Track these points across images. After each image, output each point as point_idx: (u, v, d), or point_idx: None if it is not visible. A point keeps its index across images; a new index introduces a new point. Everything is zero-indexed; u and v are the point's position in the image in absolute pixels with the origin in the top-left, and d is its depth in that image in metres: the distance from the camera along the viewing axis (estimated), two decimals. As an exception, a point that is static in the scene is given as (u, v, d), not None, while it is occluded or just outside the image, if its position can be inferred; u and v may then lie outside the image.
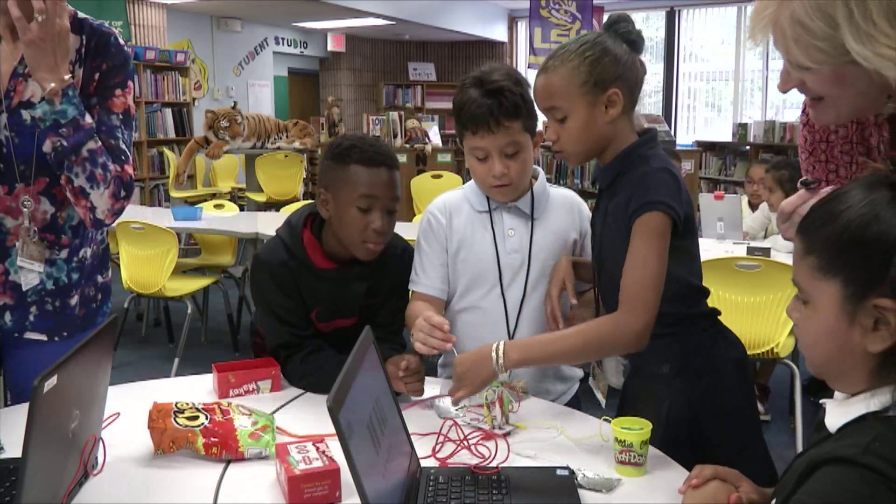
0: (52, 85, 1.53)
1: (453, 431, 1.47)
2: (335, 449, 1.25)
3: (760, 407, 3.52)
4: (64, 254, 1.72)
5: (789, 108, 10.01)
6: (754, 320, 3.08)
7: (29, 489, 1.02)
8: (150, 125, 8.61)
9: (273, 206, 6.67)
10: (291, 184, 7.21)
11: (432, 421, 1.56)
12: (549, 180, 1.87)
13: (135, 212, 5.04)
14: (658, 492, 1.28)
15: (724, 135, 9.83)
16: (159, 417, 1.41)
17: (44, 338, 1.73)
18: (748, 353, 1.64)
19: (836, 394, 0.99)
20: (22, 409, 1.47)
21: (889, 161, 0.94)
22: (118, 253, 4.25)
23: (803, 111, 1.41)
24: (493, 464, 1.35)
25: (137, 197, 8.17)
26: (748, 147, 8.99)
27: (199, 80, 9.96)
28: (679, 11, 10.82)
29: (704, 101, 11.24)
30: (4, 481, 1.28)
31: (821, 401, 1.01)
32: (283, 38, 11.42)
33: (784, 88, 1.19)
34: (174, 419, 1.41)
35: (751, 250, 3.60)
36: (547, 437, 1.50)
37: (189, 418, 1.42)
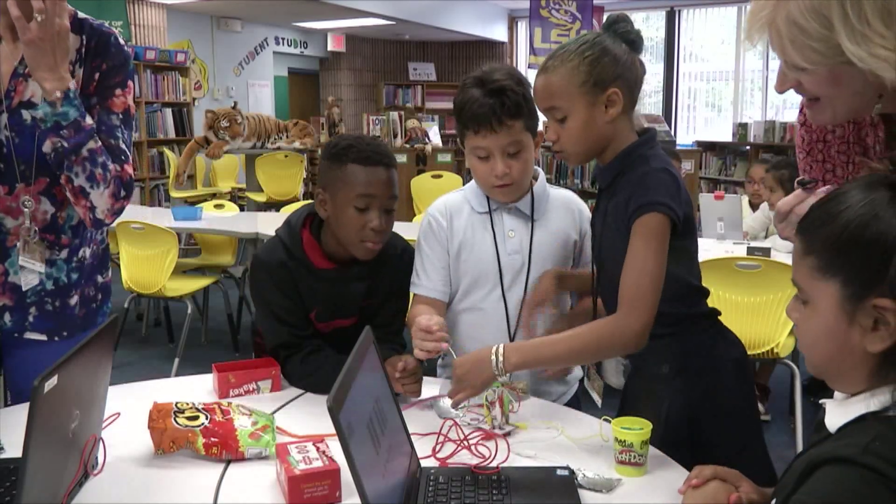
0: (57, 94, 1.53)
1: (453, 431, 1.47)
2: (335, 449, 1.25)
3: (760, 407, 3.52)
4: (64, 254, 1.72)
5: (789, 108, 10.01)
6: (754, 320, 3.08)
7: (29, 489, 1.02)
8: (150, 125, 8.61)
9: (273, 206, 6.66)
10: (291, 184, 7.20)
11: (432, 421, 1.56)
12: (549, 180, 1.87)
13: (135, 212, 5.04)
14: (658, 492, 1.28)
15: (724, 135, 9.83)
16: (159, 417, 1.41)
17: (44, 338, 1.73)
18: (748, 353, 1.64)
19: (836, 394, 0.99)
20: (22, 409, 1.47)
21: (888, 161, 0.94)
22: (118, 253, 4.25)
23: (801, 111, 1.42)
24: (493, 464, 1.35)
25: (137, 197, 8.17)
26: (748, 147, 8.99)
27: (200, 80, 9.97)
28: (679, 11, 10.82)
29: (704, 101, 11.24)
30: (4, 481, 1.28)
31: (821, 401, 1.01)
32: (283, 38, 11.42)
33: (781, 89, 1.19)
34: (174, 419, 1.41)
35: (751, 250, 3.60)
36: (547, 437, 1.50)
37: (189, 418, 1.42)
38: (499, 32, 12.21)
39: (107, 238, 1.87)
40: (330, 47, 12.13)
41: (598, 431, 1.47)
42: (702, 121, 11.16)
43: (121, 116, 1.69)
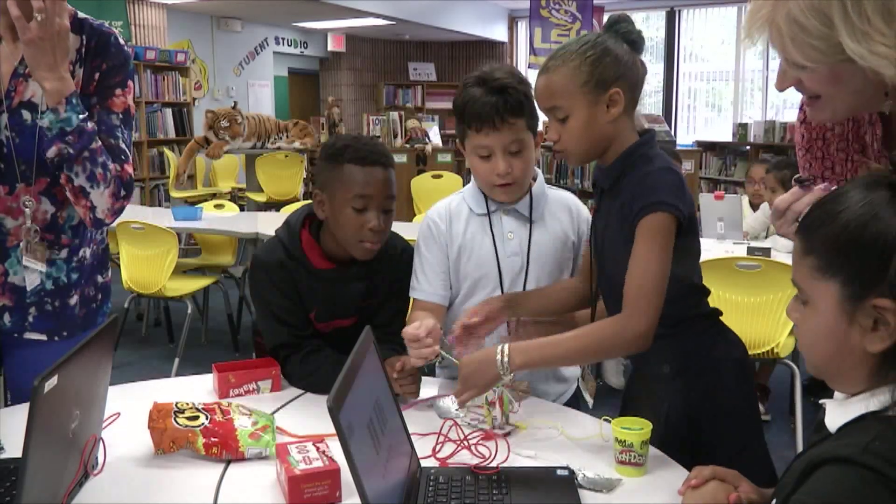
0: (60, 103, 1.53)
1: (453, 431, 1.47)
2: (335, 449, 1.25)
3: (760, 407, 3.52)
4: (64, 254, 1.72)
5: (789, 108, 10.01)
6: (754, 320, 3.08)
7: (29, 489, 1.02)
8: (150, 125, 8.61)
9: (273, 206, 6.66)
10: (291, 184, 7.20)
11: (432, 421, 1.56)
12: (549, 181, 1.87)
13: (135, 212, 5.04)
14: (658, 492, 1.28)
15: (724, 135, 9.82)
16: (159, 417, 1.41)
17: (44, 338, 1.74)
18: (748, 353, 1.64)
19: (836, 394, 0.99)
20: (22, 409, 1.47)
21: (888, 161, 0.94)
22: (118, 253, 4.25)
23: (801, 109, 1.42)
24: (493, 464, 1.35)
25: (137, 197, 8.17)
26: (748, 147, 8.99)
27: (200, 80, 9.96)
28: (679, 11, 10.82)
29: (704, 101, 11.24)
30: (4, 481, 1.28)
31: (821, 401, 1.01)
32: (283, 38, 11.42)
33: (781, 87, 1.19)
34: (174, 419, 1.41)
35: (751, 250, 3.60)
36: (547, 437, 1.50)
37: (189, 418, 1.42)
38: (499, 32, 12.21)
39: (106, 238, 1.87)
40: (330, 47, 12.13)
41: (598, 431, 1.47)
42: (702, 121, 11.16)
43: (121, 116, 1.69)
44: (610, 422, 1.39)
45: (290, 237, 1.82)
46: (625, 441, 1.33)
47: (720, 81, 10.95)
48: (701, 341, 1.54)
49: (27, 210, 1.65)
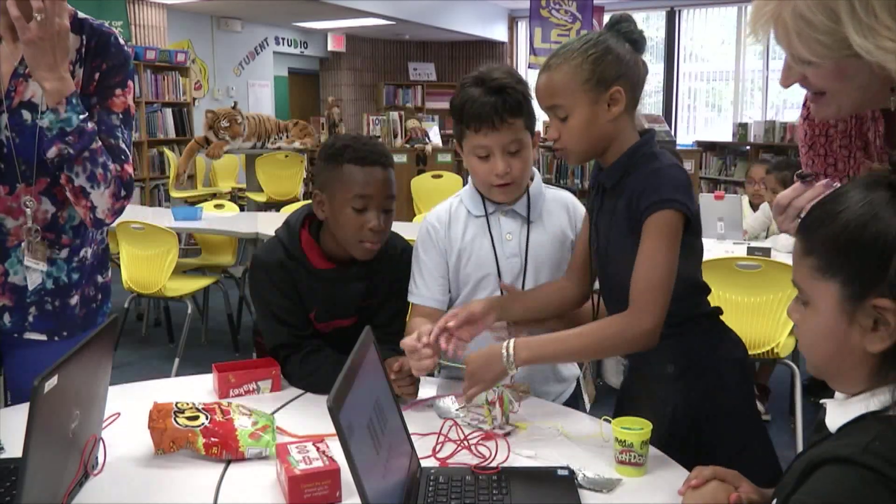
0: (60, 103, 1.53)
1: (453, 431, 1.47)
2: (335, 449, 1.25)
3: (760, 407, 3.52)
4: (64, 253, 1.72)
5: (789, 108, 10.02)
6: (754, 320, 3.08)
7: (29, 489, 1.02)
8: (150, 125, 8.60)
9: (273, 206, 6.66)
10: (291, 184, 7.20)
11: (432, 421, 1.56)
12: (549, 181, 1.87)
13: (135, 212, 5.04)
14: (658, 492, 1.28)
15: (725, 135, 9.83)
16: (159, 417, 1.41)
17: (44, 338, 1.74)
18: (748, 353, 1.64)
19: (837, 394, 0.99)
20: (22, 409, 1.46)
21: (888, 161, 0.94)
22: (118, 253, 4.25)
23: (804, 105, 1.42)
24: (494, 464, 1.35)
25: (137, 197, 8.17)
26: (748, 147, 8.99)
27: (200, 80, 9.96)
28: (679, 11, 10.81)
29: (704, 101, 11.24)
30: (4, 481, 1.28)
31: (821, 400, 1.01)
32: (283, 38, 11.42)
33: (786, 83, 1.19)
34: (174, 419, 1.41)
35: (751, 250, 3.60)
36: (547, 437, 1.50)
37: (189, 418, 1.42)
38: (499, 32, 12.21)
39: (106, 238, 1.87)
40: (330, 47, 12.13)
41: (598, 431, 1.47)
42: (702, 121, 11.16)
43: (121, 116, 1.69)
44: (610, 422, 1.39)
45: (290, 237, 1.82)
46: (625, 441, 1.33)
47: (720, 81, 10.94)
48: (705, 340, 1.53)
49: (28, 210, 1.65)
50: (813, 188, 1.18)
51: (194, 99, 9.38)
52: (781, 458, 1.53)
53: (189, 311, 4.24)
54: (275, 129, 6.98)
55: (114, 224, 1.79)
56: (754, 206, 4.50)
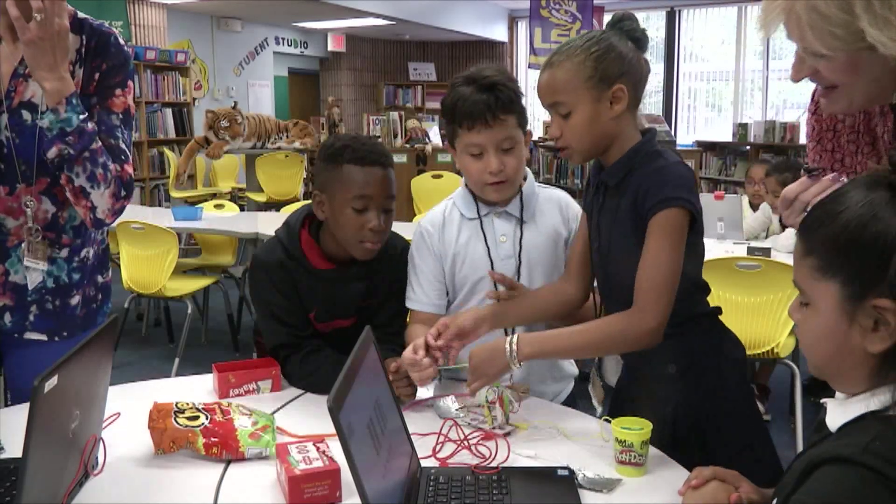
0: (60, 103, 1.53)
1: (453, 431, 1.47)
2: (335, 449, 1.25)
3: (761, 407, 3.52)
4: (64, 253, 1.72)
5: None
6: (754, 320, 3.08)
7: (29, 489, 1.02)
8: (150, 125, 8.61)
9: (273, 206, 6.66)
10: (291, 184, 7.20)
11: (432, 421, 1.56)
12: (549, 181, 1.87)
13: (135, 212, 5.04)
14: (658, 492, 1.28)
15: (725, 135, 9.82)
16: (159, 417, 1.41)
17: (44, 338, 1.74)
18: (748, 353, 1.64)
19: (837, 393, 0.99)
20: (22, 409, 1.46)
21: (888, 161, 0.94)
22: (118, 253, 4.25)
23: (812, 100, 1.41)
24: (494, 464, 1.35)
25: (138, 197, 8.17)
26: (748, 147, 8.99)
27: (200, 80, 9.96)
28: (679, 11, 10.82)
29: (704, 101, 11.24)
30: (4, 481, 1.28)
31: (822, 400, 1.01)
32: (283, 38, 11.42)
33: (797, 77, 1.18)
34: (174, 419, 1.41)
35: (751, 250, 3.60)
36: (547, 437, 1.50)
37: (189, 418, 1.42)
38: (499, 32, 12.20)
39: (107, 238, 1.87)
40: (330, 47, 12.13)
41: (599, 431, 1.47)
42: (702, 121, 11.16)
43: (121, 116, 1.69)
44: (610, 422, 1.39)
45: (290, 237, 1.82)
46: (625, 441, 1.33)
47: (720, 81, 10.95)
48: (706, 340, 1.53)
49: (28, 210, 1.65)
50: (819, 182, 1.17)
51: (194, 99, 9.38)
52: (781, 458, 1.53)
53: (189, 311, 4.24)
54: (275, 129, 6.98)
55: (114, 224, 1.79)
56: (754, 207, 4.50)
